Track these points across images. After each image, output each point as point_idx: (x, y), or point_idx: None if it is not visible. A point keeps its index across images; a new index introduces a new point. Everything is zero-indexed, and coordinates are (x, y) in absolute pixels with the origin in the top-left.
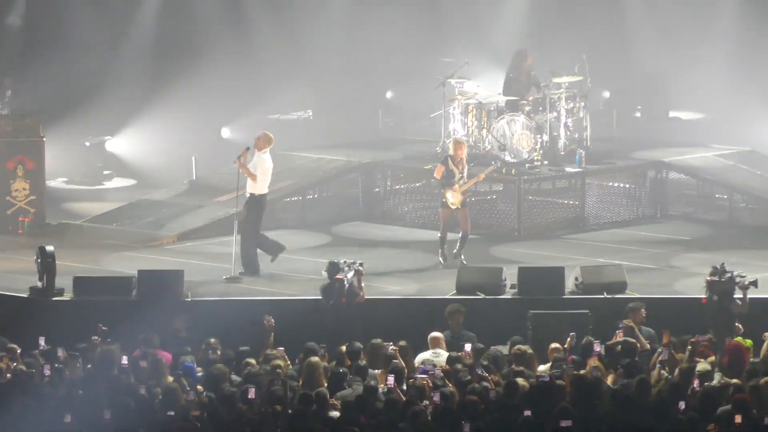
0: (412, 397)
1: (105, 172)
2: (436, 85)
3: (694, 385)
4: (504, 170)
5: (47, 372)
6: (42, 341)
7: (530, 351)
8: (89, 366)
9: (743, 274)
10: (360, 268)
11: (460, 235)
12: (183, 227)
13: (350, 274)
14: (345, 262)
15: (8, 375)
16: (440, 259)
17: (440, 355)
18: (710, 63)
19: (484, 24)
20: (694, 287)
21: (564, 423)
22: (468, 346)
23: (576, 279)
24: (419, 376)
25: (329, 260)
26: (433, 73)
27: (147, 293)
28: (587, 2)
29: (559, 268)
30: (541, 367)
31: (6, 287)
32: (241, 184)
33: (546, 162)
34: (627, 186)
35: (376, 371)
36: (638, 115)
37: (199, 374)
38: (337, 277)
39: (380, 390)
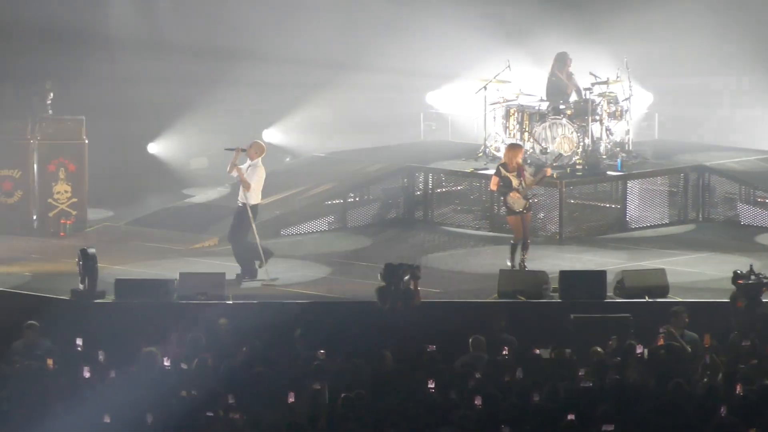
0: (453, 401)
1: (146, 175)
2: (477, 89)
3: (737, 390)
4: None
5: (87, 374)
6: (79, 342)
7: (572, 355)
8: (131, 368)
9: None
10: (416, 271)
11: (520, 244)
12: (224, 230)
13: (406, 278)
14: (402, 265)
15: (49, 377)
16: (508, 265)
17: (481, 359)
18: (748, 66)
19: (525, 27)
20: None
21: (606, 427)
22: (508, 350)
23: (618, 283)
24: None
25: (385, 263)
26: (475, 76)
27: (190, 296)
28: (629, 5)
29: (600, 272)
30: (583, 371)
31: (48, 290)
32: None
33: (587, 166)
34: (668, 189)
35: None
36: (680, 118)
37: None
38: (392, 280)
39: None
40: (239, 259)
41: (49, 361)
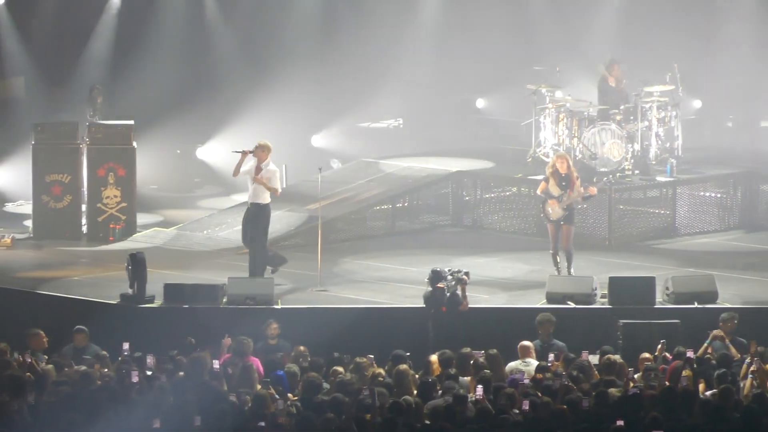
0: (501, 406)
1: (195, 180)
2: (527, 94)
3: None
4: (595, 179)
5: (135, 378)
6: (126, 346)
7: (620, 360)
8: (180, 372)
9: None
10: (464, 276)
11: (561, 254)
12: (273, 234)
13: (451, 283)
14: (449, 270)
15: (98, 381)
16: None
17: (530, 365)
18: None
19: (575, 32)
20: None
21: None
22: (557, 355)
23: (667, 288)
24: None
25: (432, 268)
26: (524, 81)
27: (239, 300)
28: (679, 11)
29: (649, 278)
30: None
31: (97, 294)
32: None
33: (637, 171)
34: (718, 195)
35: (466, 379)
36: (730, 124)
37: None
38: (438, 285)
39: (470, 399)
40: (253, 264)
41: (97, 366)
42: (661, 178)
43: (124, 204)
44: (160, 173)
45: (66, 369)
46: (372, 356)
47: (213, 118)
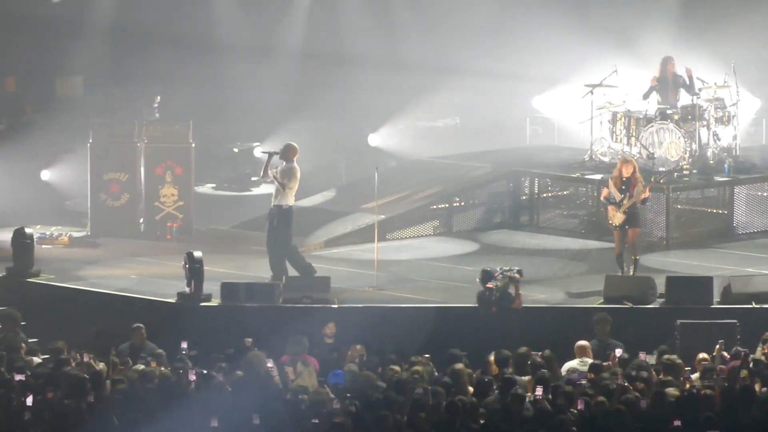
0: (558, 406)
1: (252, 178)
2: (584, 93)
3: None
4: (652, 179)
5: (192, 377)
6: (184, 345)
7: (678, 360)
8: (237, 371)
9: None
10: (516, 275)
11: (630, 260)
12: (330, 234)
13: (500, 283)
14: (501, 269)
15: (156, 380)
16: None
17: (587, 364)
18: None
19: (632, 32)
20: None
21: None
22: (618, 351)
23: (724, 289)
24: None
25: (483, 268)
26: (582, 80)
27: (296, 299)
28: (737, 11)
29: (707, 278)
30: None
31: (154, 293)
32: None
33: (695, 171)
34: None
35: (525, 378)
36: None
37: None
38: (488, 285)
39: (527, 398)
40: (273, 263)
41: (153, 364)
42: (719, 178)
43: (181, 202)
44: (217, 172)
45: (123, 367)
46: (428, 355)
47: (271, 116)
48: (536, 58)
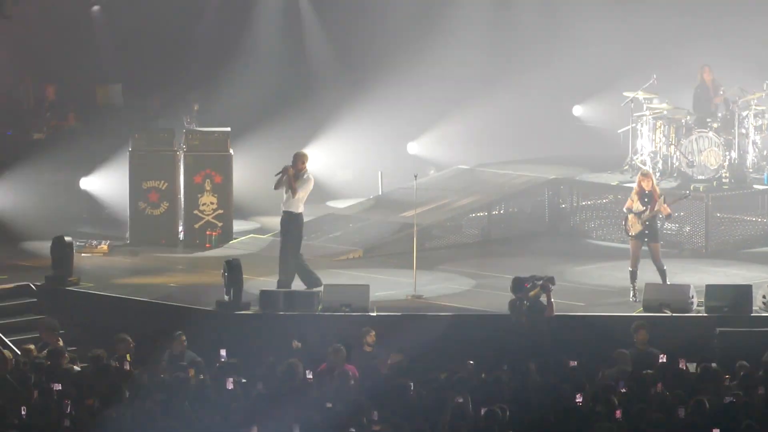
0: (597, 414)
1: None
2: (624, 101)
3: None
4: (692, 187)
5: (230, 385)
6: (223, 353)
7: (717, 369)
8: (275, 380)
9: None
10: (548, 283)
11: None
12: (368, 242)
13: (530, 292)
14: (533, 277)
15: (194, 388)
16: (631, 294)
17: (626, 372)
18: None
19: (672, 40)
20: None
21: None
22: (662, 358)
23: (764, 297)
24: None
25: (514, 276)
26: (622, 88)
27: (335, 308)
28: None
29: (746, 286)
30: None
31: (193, 301)
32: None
33: (734, 179)
34: None
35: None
36: None
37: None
38: (518, 294)
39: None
40: (283, 272)
41: (192, 372)
42: (758, 186)
43: (220, 211)
44: (256, 179)
45: (162, 375)
46: (472, 362)
47: (310, 124)
48: (577, 66)
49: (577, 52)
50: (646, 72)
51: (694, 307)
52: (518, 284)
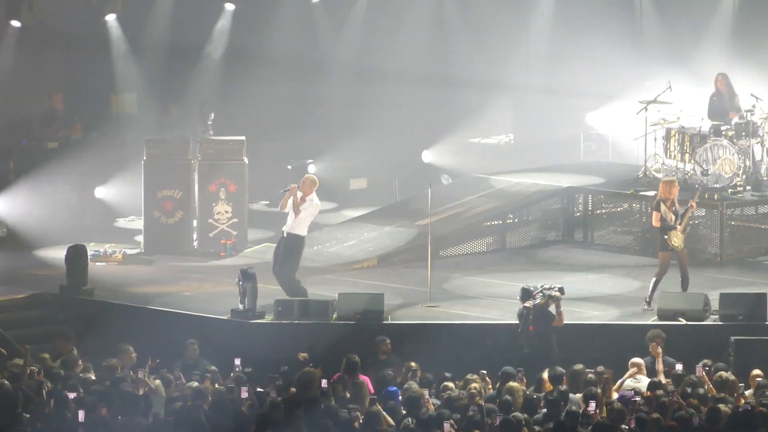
0: (612, 422)
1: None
2: (638, 110)
3: None
4: (706, 195)
5: (244, 394)
6: (238, 362)
7: (732, 377)
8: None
9: None
10: (556, 293)
11: (680, 279)
12: (383, 250)
13: (538, 301)
14: (542, 286)
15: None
16: (646, 301)
17: (641, 381)
18: None
19: (686, 48)
20: None
21: None
22: (679, 366)
23: None
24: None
25: (523, 286)
26: (635, 96)
27: (349, 316)
28: None
29: (761, 294)
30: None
31: (207, 310)
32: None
33: (749, 187)
34: None
35: (578, 396)
36: None
37: None
38: (525, 304)
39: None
40: (287, 288)
41: (207, 382)
42: None
43: (235, 219)
44: (271, 189)
45: (177, 383)
46: (485, 371)
47: (324, 133)
48: (590, 74)
49: (591, 60)
50: (662, 80)
51: (709, 315)
52: (526, 294)
